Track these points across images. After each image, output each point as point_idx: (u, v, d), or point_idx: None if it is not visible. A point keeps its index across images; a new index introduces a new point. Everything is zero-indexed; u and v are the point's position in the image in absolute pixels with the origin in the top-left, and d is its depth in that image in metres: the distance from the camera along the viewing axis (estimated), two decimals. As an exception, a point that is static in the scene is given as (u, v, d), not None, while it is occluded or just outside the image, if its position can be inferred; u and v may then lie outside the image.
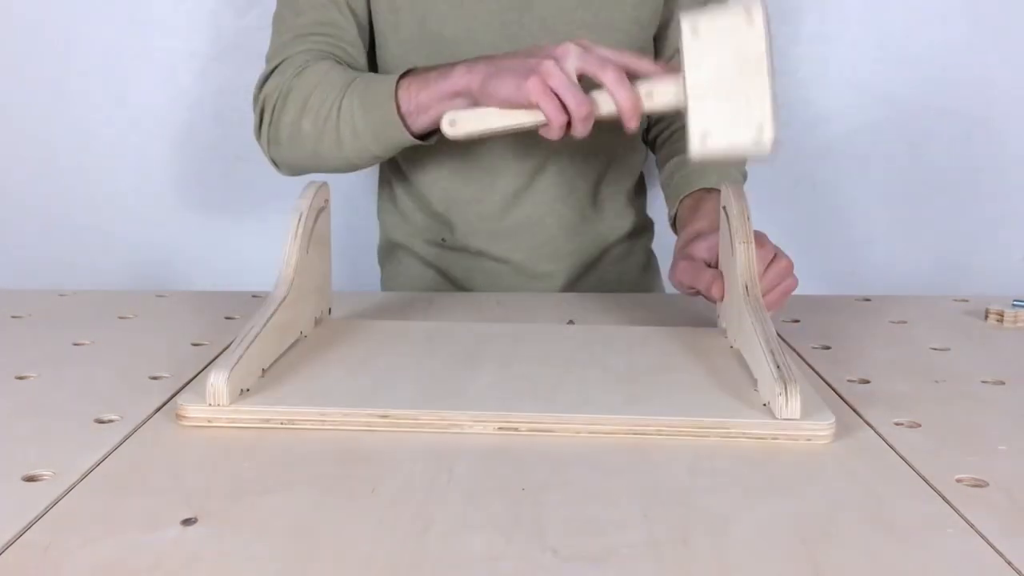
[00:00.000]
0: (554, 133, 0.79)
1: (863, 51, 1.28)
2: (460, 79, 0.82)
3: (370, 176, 1.28)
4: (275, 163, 0.99)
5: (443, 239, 1.07)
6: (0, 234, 1.33)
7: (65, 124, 1.30)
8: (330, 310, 0.85)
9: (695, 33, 0.73)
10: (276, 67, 0.95)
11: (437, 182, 1.04)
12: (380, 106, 0.86)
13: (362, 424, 0.61)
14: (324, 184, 0.80)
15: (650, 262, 1.16)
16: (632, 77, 0.77)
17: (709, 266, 0.81)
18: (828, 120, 1.30)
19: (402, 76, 0.87)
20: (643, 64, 0.79)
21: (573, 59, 0.77)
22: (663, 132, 1.07)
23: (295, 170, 0.99)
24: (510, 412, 0.61)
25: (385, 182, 1.13)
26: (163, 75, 1.29)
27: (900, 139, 1.30)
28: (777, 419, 0.59)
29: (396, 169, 1.09)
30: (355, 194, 1.29)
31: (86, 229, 1.33)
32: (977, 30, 1.26)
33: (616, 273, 1.11)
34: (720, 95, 0.73)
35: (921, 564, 0.44)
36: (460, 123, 0.82)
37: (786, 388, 0.59)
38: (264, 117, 0.95)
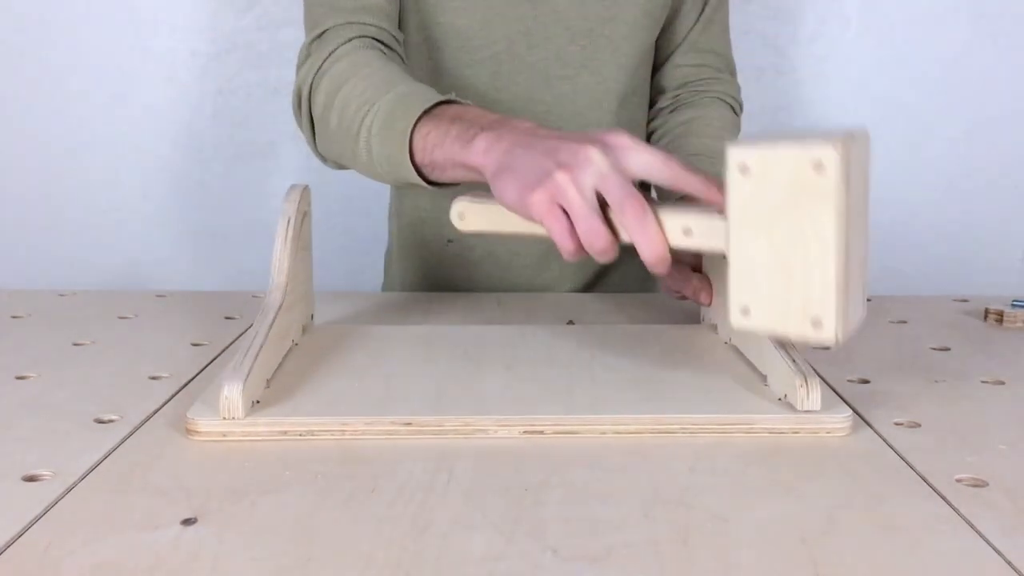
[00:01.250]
0: (567, 256, 0.65)
1: (863, 51, 1.28)
2: (477, 157, 0.68)
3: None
4: (320, 156, 0.90)
5: (449, 240, 1.06)
6: (0, 234, 1.33)
7: (65, 124, 1.30)
8: (312, 316, 0.83)
9: (744, 172, 0.55)
10: (316, 39, 0.87)
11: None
12: (395, 146, 0.76)
13: (384, 432, 0.59)
14: (306, 188, 0.78)
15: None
16: (672, 194, 0.66)
17: (695, 270, 0.80)
18: (828, 120, 1.30)
19: (423, 114, 0.74)
20: (690, 180, 0.63)
21: (592, 174, 0.62)
22: (663, 138, 1.07)
23: (335, 164, 0.90)
24: (535, 415, 0.60)
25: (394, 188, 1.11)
26: (163, 75, 1.29)
27: (900, 139, 1.30)
28: (797, 412, 0.60)
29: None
30: (354, 194, 1.29)
31: (86, 229, 1.33)
32: (977, 30, 1.26)
33: (619, 276, 1.11)
34: (769, 263, 0.56)
35: (921, 564, 0.44)
36: (469, 218, 0.71)
37: (806, 380, 0.60)
38: (301, 106, 0.87)
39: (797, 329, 0.56)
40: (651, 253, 0.62)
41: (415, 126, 0.74)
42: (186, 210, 1.33)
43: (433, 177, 0.76)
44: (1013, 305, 0.89)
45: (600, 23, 0.96)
